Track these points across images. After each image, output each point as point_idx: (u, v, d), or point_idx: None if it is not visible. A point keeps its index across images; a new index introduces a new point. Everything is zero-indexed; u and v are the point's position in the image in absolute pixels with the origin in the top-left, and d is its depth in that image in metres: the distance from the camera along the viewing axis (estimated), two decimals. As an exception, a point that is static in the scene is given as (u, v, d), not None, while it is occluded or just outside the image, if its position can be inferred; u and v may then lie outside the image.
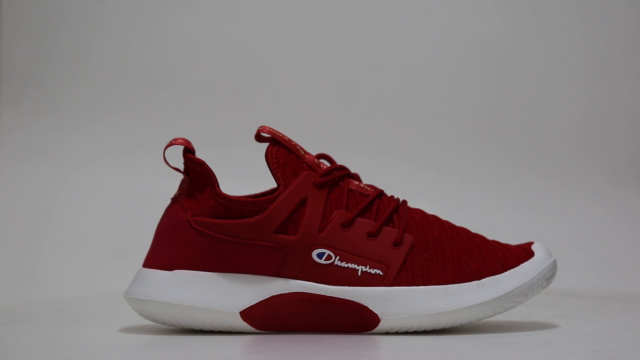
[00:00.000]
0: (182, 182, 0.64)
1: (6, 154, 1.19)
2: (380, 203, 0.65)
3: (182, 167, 0.64)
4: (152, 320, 0.64)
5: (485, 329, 0.67)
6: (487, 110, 1.27)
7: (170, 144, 0.63)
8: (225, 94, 1.23)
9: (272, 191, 0.67)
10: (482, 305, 0.64)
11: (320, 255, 0.63)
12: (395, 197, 0.67)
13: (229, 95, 1.23)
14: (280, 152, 0.64)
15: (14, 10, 1.22)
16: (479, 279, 0.64)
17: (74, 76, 1.23)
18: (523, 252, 0.67)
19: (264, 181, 0.73)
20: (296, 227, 0.62)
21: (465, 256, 0.65)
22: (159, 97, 1.23)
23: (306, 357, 0.56)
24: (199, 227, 0.62)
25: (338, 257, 0.63)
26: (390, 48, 1.26)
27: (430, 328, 0.64)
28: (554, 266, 0.67)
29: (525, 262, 0.66)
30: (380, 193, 0.66)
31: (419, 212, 0.67)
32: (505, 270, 0.65)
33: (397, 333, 0.64)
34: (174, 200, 0.64)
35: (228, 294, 0.62)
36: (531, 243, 0.69)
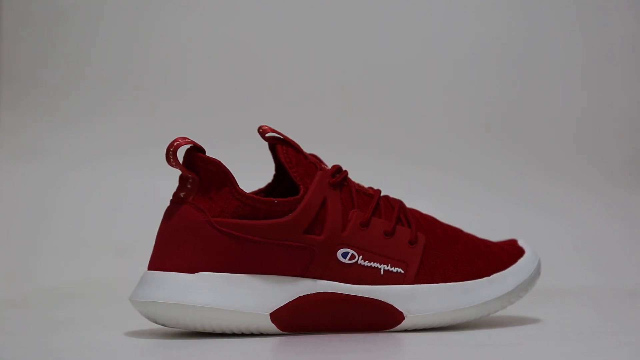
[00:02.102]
0: (186, 182, 0.62)
1: (6, 154, 1.19)
2: (384, 202, 0.66)
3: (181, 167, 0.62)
4: (173, 326, 0.61)
5: (498, 324, 0.69)
6: (486, 110, 1.27)
7: (179, 145, 0.61)
8: (225, 94, 1.23)
9: (262, 190, 0.67)
10: (495, 301, 0.66)
11: (344, 255, 0.63)
12: (391, 197, 0.68)
13: (229, 95, 1.23)
14: (290, 151, 0.64)
15: (14, 10, 1.22)
16: (489, 275, 0.67)
17: (74, 76, 1.23)
18: (515, 249, 0.70)
19: (257, 180, 0.72)
20: (321, 227, 0.62)
21: (472, 254, 0.67)
22: (159, 98, 1.23)
23: (343, 355, 0.56)
24: (223, 228, 0.60)
25: (361, 257, 0.63)
26: (388, 48, 1.26)
27: (449, 324, 0.65)
28: (540, 262, 0.70)
29: (521, 259, 0.69)
30: (380, 192, 0.67)
31: (417, 212, 0.69)
32: (508, 267, 0.68)
33: (414, 330, 0.65)
34: (182, 200, 0.61)
35: (258, 295, 0.61)
36: (515, 240, 0.71)
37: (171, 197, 0.63)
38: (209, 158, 0.61)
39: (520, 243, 0.71)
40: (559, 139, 1.27)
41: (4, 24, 1.22)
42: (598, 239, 1.19)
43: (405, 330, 0.64)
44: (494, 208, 1.20)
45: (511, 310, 0.75)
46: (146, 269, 0.63)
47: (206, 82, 1.23)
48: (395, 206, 0.66)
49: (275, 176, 0.67)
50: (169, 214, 0.62)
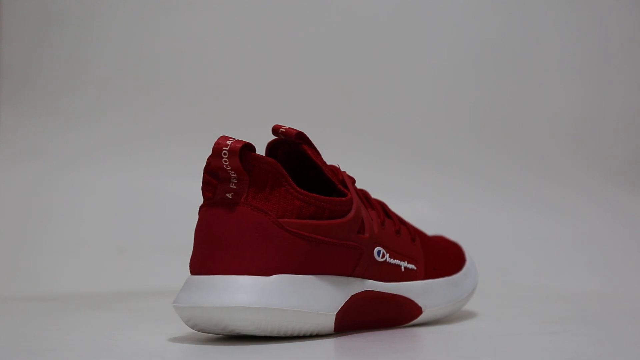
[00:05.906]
0: (228, 182, 0.58)
1: (6, 154, 1.19)
2: (374, 201, 0.67)
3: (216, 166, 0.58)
4: (242, 332, 0.58)
5: (500, 318, 0.72)
6: (486, 110, 1.27)
7: (236, 145, 0.57)
8: (224, 94, 1.23)
9: None
10: (472, 292, 0.71)
11: (378, 253, 0.63)
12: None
13: (228, 95, 1.23)
14: (313, 152, 0.63)
15: (14, 10, 1.22)
16: (460, 269, 0.70)
17: (74, 76, 1.23)
18: (453, 244, 0.73)
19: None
20: (362, 226, 0.62)
21: (443, 250, 0.70)
22: (159, 97, 1.23)
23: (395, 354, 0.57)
24: (294, 229, 0.58)
25: (388, 254, 0.64)
26: (388, 48, 1.26)
27: (446, 317, 0.69)
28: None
29: (465, 252, 0.73)
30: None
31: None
32: (465, 260, 0.72)
33: (421, 324, 0.67)
34: (231, 201, 0.58)
35: (327, 296, 0.60)
36: (442, 236, 0.74)
37: (208, 197, 0.59)
38: (265, 157, 0.58)
39: (449, 238, 0.74)
40: (559, 139, 1.27)
41: (4, 24, 1.22)
42: (597, 239, 1.19)
43: (414, 325, 0.67)
44: (494, 208, 1.20)
45: (505, 306, 0.75)
46: (189, 273, 0.59)
47: (205, 82, 1.23)
48: (384, 204, 0.67)
49: None
50: (217, 215, 0.58)
